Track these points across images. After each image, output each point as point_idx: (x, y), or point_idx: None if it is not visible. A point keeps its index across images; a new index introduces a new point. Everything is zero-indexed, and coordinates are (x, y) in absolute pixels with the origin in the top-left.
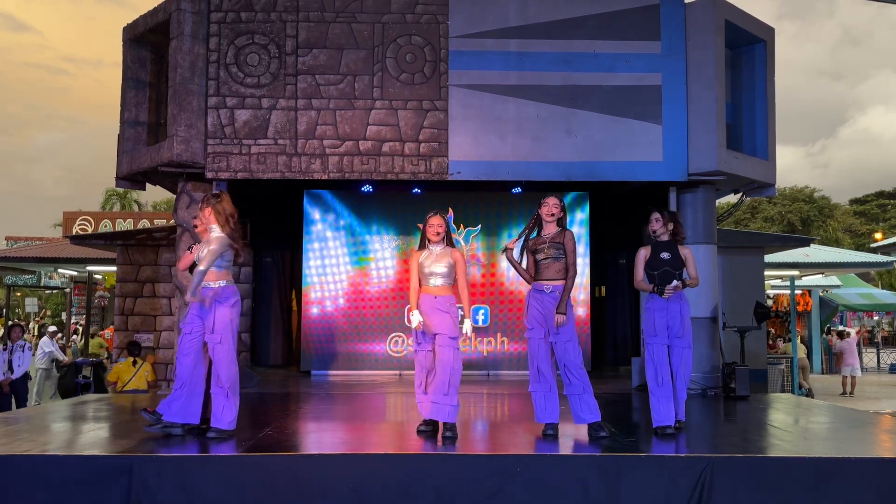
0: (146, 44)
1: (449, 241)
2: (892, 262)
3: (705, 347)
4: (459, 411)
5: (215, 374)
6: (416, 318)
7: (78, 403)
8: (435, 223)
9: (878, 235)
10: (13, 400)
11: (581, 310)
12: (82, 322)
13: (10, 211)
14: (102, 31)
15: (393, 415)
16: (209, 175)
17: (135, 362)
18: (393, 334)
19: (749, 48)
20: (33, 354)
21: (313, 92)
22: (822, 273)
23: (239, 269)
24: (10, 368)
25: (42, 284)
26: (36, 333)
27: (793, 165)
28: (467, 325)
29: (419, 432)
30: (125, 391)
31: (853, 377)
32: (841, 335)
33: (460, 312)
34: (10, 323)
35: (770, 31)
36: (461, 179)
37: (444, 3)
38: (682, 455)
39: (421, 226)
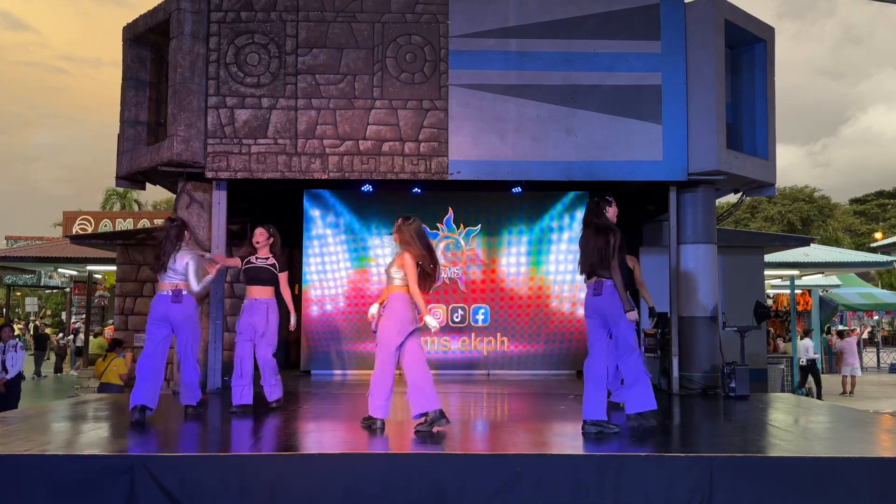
0: (146, 43)
1: (405, 243)
2: (892, 262)
3: (705, 347)
4: (424, 409)
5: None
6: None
7: (78, 403)
8: (394, 226)
9: (878, 235)
10: (6, 400)
11: (582, 308)
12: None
13: (10, 211)
14: (101, 29)
15: (393, 415)
16: (209, 175)
17: (105, 357)
18: None
19: (749, 48)
20: (30, 354)
21: (313, 91)
22: (822, 273)
23: (239, 269)
24: (4, 368)
25: (42, 284)
26: (32, 333)
27: (794, 164)
28: (429, 321)
29: (417, 432)
30: (102, 383)
31: (853, 377)
32: (841, 335)
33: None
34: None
35: (770, 30)
36: (461, 179)
37: (444, 3)
38: (682, 455)
39: None
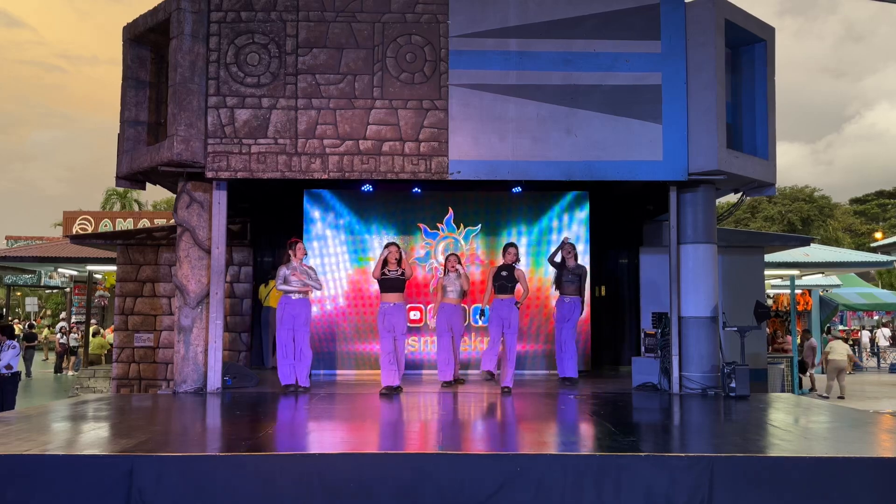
0: (146, 43)
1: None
2: (892, 262)
3: (705, 347)
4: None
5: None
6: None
7: (78, 403)
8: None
9: (878, 235)
10: (2, 400)
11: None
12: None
13: (10, 210)
14: (97, 27)
15: (393, 415)
16: (209, 175)
17: (266, 283)
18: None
19: (749, 48)
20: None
21: (313, 91)
22: (822, 273)
23: (239, 268)
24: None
25: (42, 284)
26: (22, 335)
27: (797, 164)
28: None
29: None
30: (264, 307)
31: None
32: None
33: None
34: None
35: (770, 30)
36: (461, 179)
37: (444, 3)
38: (682, 455)
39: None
